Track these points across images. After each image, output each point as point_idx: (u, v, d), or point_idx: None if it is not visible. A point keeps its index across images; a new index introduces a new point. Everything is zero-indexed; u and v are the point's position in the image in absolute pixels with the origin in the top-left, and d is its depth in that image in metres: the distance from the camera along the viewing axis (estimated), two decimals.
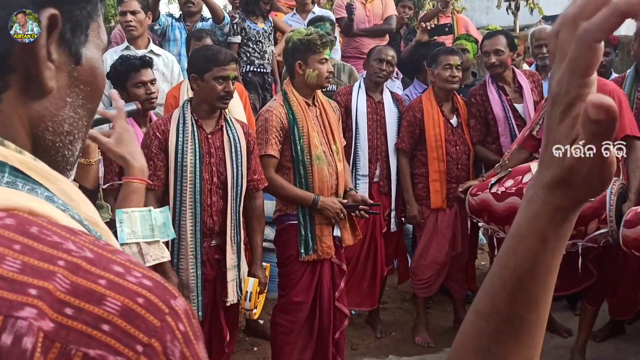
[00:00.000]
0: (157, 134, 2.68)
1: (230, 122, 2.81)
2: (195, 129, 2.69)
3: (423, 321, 3.94)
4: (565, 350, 3.60)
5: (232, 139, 2.76)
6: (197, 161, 2.66)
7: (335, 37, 4.52)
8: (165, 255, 1.79)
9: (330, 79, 3.04)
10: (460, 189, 3.58)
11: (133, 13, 3.95)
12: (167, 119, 2.73)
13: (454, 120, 3.82)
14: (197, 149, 2.67)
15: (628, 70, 3.72)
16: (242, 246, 2.84)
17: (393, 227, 3.88)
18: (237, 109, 3.62)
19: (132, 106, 1.82)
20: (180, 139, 2.66)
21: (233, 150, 2.75)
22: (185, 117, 2.71)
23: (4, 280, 0.48)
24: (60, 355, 0.47)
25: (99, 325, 0.48)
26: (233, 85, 2.71)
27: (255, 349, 3.77)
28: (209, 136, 2.73)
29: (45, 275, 0.48)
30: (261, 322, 3.98)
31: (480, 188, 3.36)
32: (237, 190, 2.76)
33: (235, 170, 2.74)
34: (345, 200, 3.02)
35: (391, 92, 4.02)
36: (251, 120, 3.63)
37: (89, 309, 0.48)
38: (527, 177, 3.14)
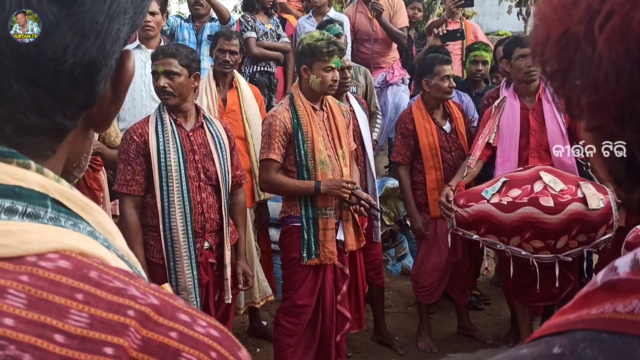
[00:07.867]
0: (135, 137, 2.63)
1: (209, 119, 2.81)
2: (174, 128, 2.67)
3: (426, 326, 3.93)
4: None
5: (214, 135, 2.77)
6: (181, 159, 2.64)
7: (346, 36, 4.48)
8: None
9: (336, 87, 3.02)
10: (443, 203, 3.29)
11: (152, 14, 4.00)
12: (145, 122, 2.70)
13: (446, 127, 3.76)
14: (179, 147, 2.65)
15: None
16: (229, 244, 2.82)
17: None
18: (252, 110, 3.64)
19: None
20: (161, 139, 2.63)
21: (218, 146, 2.76)
22: (163, 118, 2.68)
23: (72, 338, 0.42)
24: None
25: None
26: (170, 79, 2.63)
27: (258, 350, 3.77)
28: (190, 134, 2.72)
29: (118, 330, 0.43)
30: (264, 323, 3.99)
31: (469, 199, 3.21)
32: (225, 186, 2.77)
33: (222, 165, 2.75)
34: (350, 179, 2.98)
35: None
36: None
37: None
38: (538, 186, 3.02)
